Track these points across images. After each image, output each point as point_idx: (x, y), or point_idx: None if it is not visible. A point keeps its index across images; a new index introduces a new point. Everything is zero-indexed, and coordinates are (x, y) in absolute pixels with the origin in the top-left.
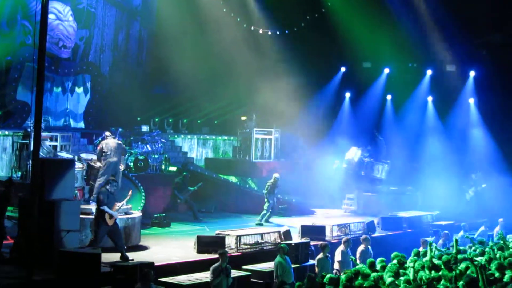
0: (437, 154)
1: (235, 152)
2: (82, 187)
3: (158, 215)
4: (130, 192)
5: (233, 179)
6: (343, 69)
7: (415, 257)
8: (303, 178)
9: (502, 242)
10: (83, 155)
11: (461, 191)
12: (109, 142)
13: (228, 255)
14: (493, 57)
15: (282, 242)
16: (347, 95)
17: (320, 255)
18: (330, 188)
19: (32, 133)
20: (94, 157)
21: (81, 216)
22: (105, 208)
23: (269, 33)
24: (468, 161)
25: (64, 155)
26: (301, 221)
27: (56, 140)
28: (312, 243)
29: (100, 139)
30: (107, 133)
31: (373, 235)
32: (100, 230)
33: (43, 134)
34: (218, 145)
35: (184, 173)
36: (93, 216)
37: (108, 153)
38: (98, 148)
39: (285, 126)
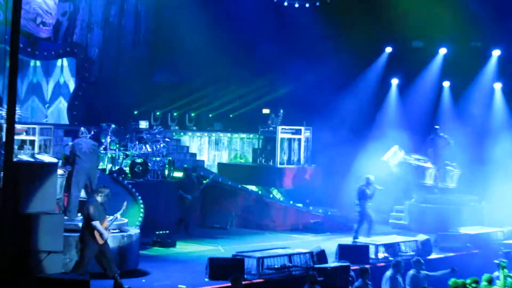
0: (508, 156)
1: (255, 156)
2: (60, 198)
3: (161, 232)
4: (125, 204)
5: (253, 188)
6: (388, 50)
7: (487, 285)
8: (340, 184)
9: None
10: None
11: None
12: (81, 142)
13: (246, 282)
14: None
15: (314, 266)
16: (394, 81)
17: (359, 283)
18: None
19: (4, 126)
20: None
21: (65, 233)
22: (96, 224)
23: (296, 5)
24: None
25: (45, 158)
26: (339, 239)
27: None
28: (353, 267)
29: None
30: (82, 129)
31: (428, 257)
32: (88, 251)
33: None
34: (233, 145)
35: (185, 165)
36: (79, 234)
37: (80, 156)
38: (70, 150)
39: (317, 123)
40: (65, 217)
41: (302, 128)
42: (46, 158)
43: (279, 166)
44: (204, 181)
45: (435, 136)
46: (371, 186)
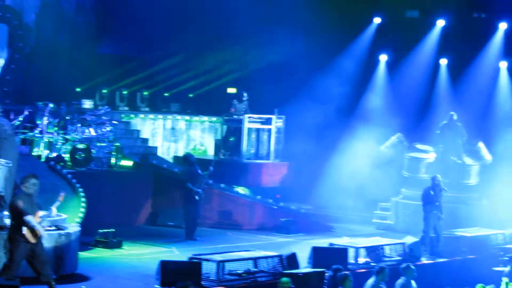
0: (510, 147)
1: (217, 148)
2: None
3: (105, 230)
4: (61, 195)
5: None
6: (377, 20)
7: None
8: (317, 178)
9: None
10: None
11: None
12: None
13: None
14: None
15: (284, 272)
16: (383, 57)
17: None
18: (361, 192)
19: None
20: None
21: None
22: (29, 219)
23: None
24: None
25: None
26: (313, 241)
27: None
28: (329, 273)
29: (20, 118)
30: None
31: (418, 263)
32: (18, 252)
33: None
34: (193, 132)
35: (185, 152)
36: (6, 232)
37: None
38: None
39: (292, 108)
40: None
41: (273, 117)
42: None
43: (245, 161)
44: (205, 172)
45: (449, 124)
46: (439, 186)
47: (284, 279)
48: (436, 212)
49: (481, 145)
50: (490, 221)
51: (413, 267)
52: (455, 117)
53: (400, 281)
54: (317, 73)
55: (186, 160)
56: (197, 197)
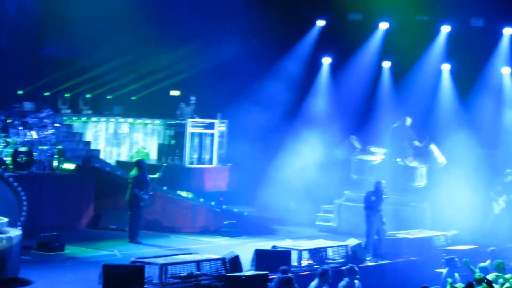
0: (455, 149)
1: (160, 153)
2: None
3: (47, 234)
4: None
5: None
6: (320, 23)
7: None
8: (259, 182)
9: None
10: None
11: (489, 200)
12: None
13: None
14: None
15: (227, 275)
16: (326, 60)
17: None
18: (304, 194)
19: None
20: None
21: None
22: None
23: None
24: (502, 159)
25: None
26: (256, 244)
27: None
28: (272, 276)
29: None
30: None
31: (361, 265)
32: None
33: None
34: (135, 135)
35: (136, 158)
36: None
37: None
38: None
39: (235, 112)
40: None
41: (216, 121)
42: None
43: (188, 166)
44: (154, 176)
45: (399, 126)
46: (382, 192)
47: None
48: (378, 215)
49: (433, 147)
50: (433, 223)
51: (357, 268)
52: (408, 122)
53: (343, 282)
54: (261, 76)
55: (137, 165)
56: (142, 204)
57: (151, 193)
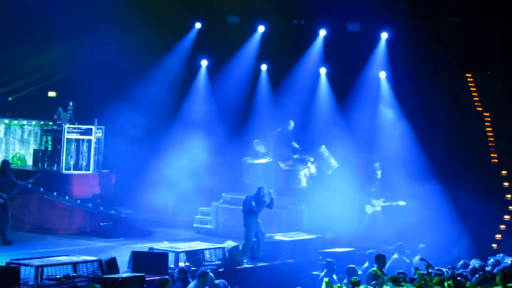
0: (332, 151)
1: (37, 158)
2: None
3: None
4: None
5: None
6: (198, 26)
7: None
8: (138, 185)
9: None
10: None
11: (363, 203)
12: None
13: None
14: (414, 12)
15: (103, 277)
16: (204, 63)
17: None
18: (183, 197)
19: None
20: None
21: None
22: None
23: None
24: (378, 162)
25: None
26: (134, 245)
27: None
28: (148, 278)
29: None
30: None
31: (238, 267)
32: None
33: None
34: (11, 137)
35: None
36: None
37: None
38: None
39: (112, 118)
40: None
41: (93, 127)
42: None
43: (64, 172)
44: (23, 182)
45: (282, 130)
46: (264, 197)
47: (94, 285)
48: (257, 220)
49: (324, 150)
50: (310, 225)
51: (212, 274)
52: (290, 126)
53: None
54: (139, 78)
55: (2, 167)
56: (1, 201)
57: (15, 196)
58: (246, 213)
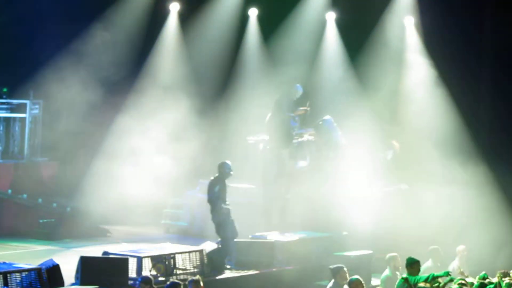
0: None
1: None
2: None
3: None
4: None
5: None
6: None
7: None
8: (90, 171)
9: None
10: None
11: None
12: None
13: None
14: None
15: None
16: (174, 7)
17: None
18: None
19: None
20: None
21: None
22: None
23: None
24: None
25: None
26: (83, 249)
27: None
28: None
29: None
30: None
31: (219, 277)
32: None
33: None
34: None
35: None
36: None
37: None
38: None
39: (53, 89)
40: None
41: (28, 102)
42: None
43: None
44: None
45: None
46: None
47: None
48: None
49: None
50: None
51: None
52: (298, 92)
53: None
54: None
55: None
56: None
57: None
58: (213, 202)
